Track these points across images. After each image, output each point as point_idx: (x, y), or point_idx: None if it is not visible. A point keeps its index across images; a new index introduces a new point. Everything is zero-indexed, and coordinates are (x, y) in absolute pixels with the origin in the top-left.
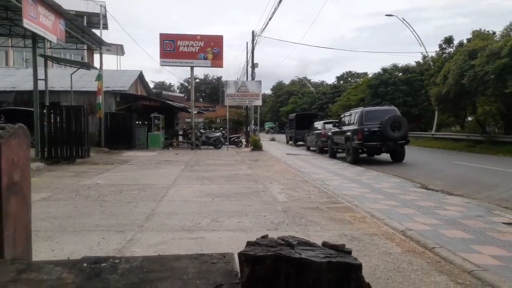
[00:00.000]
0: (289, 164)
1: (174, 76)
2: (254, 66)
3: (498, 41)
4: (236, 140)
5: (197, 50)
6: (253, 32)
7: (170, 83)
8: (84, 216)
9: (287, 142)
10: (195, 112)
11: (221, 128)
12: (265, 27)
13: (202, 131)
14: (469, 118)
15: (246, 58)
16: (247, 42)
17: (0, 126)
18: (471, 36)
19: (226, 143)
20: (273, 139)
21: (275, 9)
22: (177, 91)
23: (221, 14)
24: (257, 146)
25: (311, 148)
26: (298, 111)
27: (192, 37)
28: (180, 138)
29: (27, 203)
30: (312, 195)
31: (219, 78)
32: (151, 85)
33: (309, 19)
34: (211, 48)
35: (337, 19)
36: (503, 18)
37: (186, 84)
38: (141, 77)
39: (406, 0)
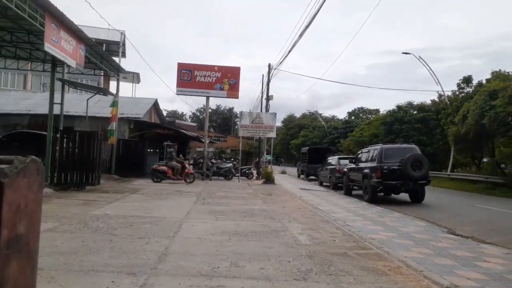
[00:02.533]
0: (305, 200)
1: (187, 105)
2: (269, 98)
3: None
4: (247, 171)
5: (213, 81)
6: (269, 65)
7: (182, 112)
8: (92, 252)
9: (299, 176)
10: (207, 141)
11: (232, 159)
12: (282, 60)
13: (213, 161)
14: (485, 159)
15: (262, 90)
16: (263, 75)
17: (6, 159)
18: (490, 76)
19: (237, 175)
20: (283, 172)
21: (295, 42)
22: (189, 120)
23: (235, 46)
24: (269, 179)
25: (324, 184)
26: (309, 145)
27: (210, 68)
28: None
29: (32, 263)
30: (337, 237)
31: (231, 109)
32: (164, 113)
33: (319, 53)
34: (227, 79)
35: (350, 56)
36: None
37: (198, 114)
38: (156, 105)
39: (419, 40)
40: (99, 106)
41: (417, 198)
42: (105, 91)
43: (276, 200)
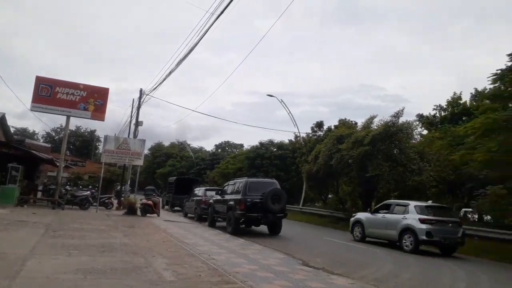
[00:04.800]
0: (170, 232)
1: (41, 123)
2: (138, 123)
3: (361, 131)
4: (106, 201)
5: (77, 99)
6: (141, 90)
7: (34, 131)
8: None
9: (163, 207)
10: (63, 165)
11: (90, 187)
12: (156, 87)
13: (68, 188)
14: (330, 196)
15: (131, 114)
16: (133, 99)
17: None
18: (338, 123)
19: (95, 204)
20: None
21: (171, 71)
22: (41, 140)
23: (104, 66)
24: (132, 210)
25: (189, 215)
26: (176, 175)
27: (74, 85)
28: (39, 195)
29: None
30: (202, 272)
31: (93, 131)
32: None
33: (191, 85)
34: (94, 99)
35: (219, 91)
36: (357, 111)
37: (54, 134)
38: (2, 120)
39: (278, 84)
40: None
41: (275, 230)
42: None
43: (139, 233)
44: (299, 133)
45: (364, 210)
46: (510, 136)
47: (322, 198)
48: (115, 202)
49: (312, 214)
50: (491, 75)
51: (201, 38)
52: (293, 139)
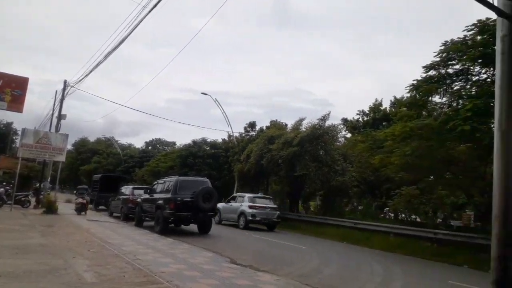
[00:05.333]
0: (93, 232)
1: None
2: (61, 117)
3: (291, 132)
4: (23, 199)
5: None
6: (65, 81)
7: None
8: None
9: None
10: None
11: (4, 183)
12: (82, 79)
13: None
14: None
15: (53, 107)
16: (56, 91)
17: None
18: (269, 124)
19: (9, 202)
20: (69, 201)
21: (99, 63)
22: None
23: (23, 55)
24: (51, 208)
25: (115, 214)
26: (102, 172)
27: None
28: None
29: None
30: (126, 273)
31: (9, 124)
32: None
33: (121, 79)
34: (11, 89)
35: (151, 87)
36: (289, 113)
37: None
38: None
39: (216, 84)
40: None
41: (205, 229)
42: None
43: (59, 233)
44: (233, 132)
45: (292, 209)
46: (423, 142)
47: None
48: (33, 200)
49: None
50: (408, 85)
51: (132, 31)
52: (227, 138)
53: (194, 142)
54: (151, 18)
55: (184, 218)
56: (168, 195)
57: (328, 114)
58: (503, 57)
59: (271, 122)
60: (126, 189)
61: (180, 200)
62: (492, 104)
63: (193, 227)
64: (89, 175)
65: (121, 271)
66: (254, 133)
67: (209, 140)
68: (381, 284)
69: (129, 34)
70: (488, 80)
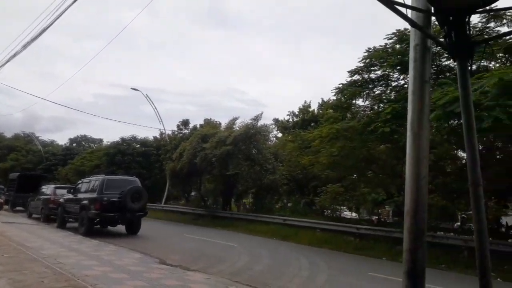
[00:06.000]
0: (8, 235)
1: None
2: None
3: (225, 131)
4: None
5: None
6: None
7: None
8: None
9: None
10: None
11: None
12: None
13: None
14: (193, 193)
15: None
16: None
17: None
18: (203, 122)
19: None
20: None
21: (16, 53)
22: None
23: None
24: None
25: (34, 216)
26: (20, 170)
27: None
28: None
29: None
30: (45, 278)
31: None
32: None
33: (41, 71)
34: None
35: (76, 80)
36: (223, 112)
37: None
38: None
39: (147, 80)
40: None
41: (133, 229)
42: None
43: None
44: (165, 130)
45: (224, 207)
46: (347, 143)
47: (185, 196)
48: None
49: (174, 211)
50: (334, 88)
51: (55, 21)
52: (158, 136)
53: (123, 139)
54: (76, 8)
55: (110, 218)
56: (94, 195)
57: (261, 114)
58: (415, 65)
59: (205, 120)
60: (47, 189)
61: (107, 200)
62: None
63: (121, 228)
64: (5, 173)
65: (40, 276)
66: (187, 131)
67: (139, 137)
68: (308, 278)
69: (51, 24)
70: (405, 85)
